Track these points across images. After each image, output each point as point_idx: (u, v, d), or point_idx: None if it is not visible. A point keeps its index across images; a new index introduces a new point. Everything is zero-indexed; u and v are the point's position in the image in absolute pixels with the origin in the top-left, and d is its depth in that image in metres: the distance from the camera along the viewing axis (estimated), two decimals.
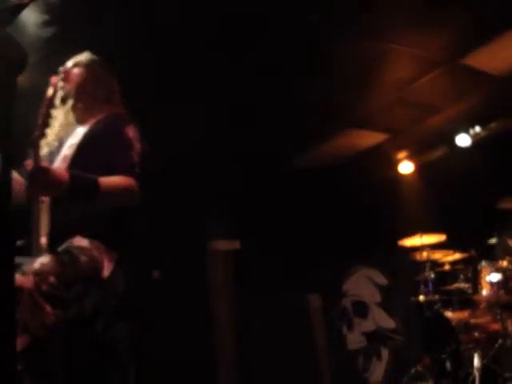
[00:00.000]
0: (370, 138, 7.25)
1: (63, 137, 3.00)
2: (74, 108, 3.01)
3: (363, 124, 6.90)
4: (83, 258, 2.50)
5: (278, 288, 7.63)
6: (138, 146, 2.83)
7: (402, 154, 7.59)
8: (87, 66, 3.08)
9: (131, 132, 2.86)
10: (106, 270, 2.58)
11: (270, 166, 7.37)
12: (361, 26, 5.06)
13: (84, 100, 3.03)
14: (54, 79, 2.77)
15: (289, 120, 6.42)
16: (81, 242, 2.57)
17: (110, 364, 2.62)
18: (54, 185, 2.40)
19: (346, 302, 8.46)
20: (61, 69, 3.01)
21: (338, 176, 7.65)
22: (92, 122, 2.97)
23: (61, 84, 2.94)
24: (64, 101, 2.98)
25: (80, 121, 3.03)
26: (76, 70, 3.05)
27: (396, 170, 7.70)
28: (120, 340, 2.64)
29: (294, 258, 7.76)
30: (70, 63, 3.07)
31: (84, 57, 3.12)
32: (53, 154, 2.92)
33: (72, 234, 2.58)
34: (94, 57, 3.14)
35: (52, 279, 2.30)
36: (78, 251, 2.52)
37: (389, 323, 7.85)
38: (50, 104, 2.79)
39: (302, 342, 7.99)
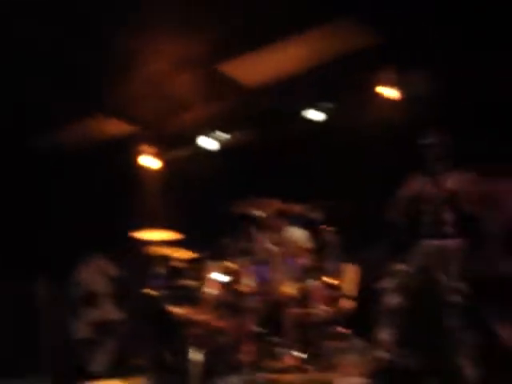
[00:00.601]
0: (118, 128, 7.16)
1: None
2: None
3: (113, 112, 6.80)
4: None
5: (7, 275, 7.28)
6: None
7: (147, 148, 7.61)
8: None
9: None
10: None
11: (12, 146, 6.96)
12: (123, 18, 5.01)
13: None
14: None
15: (33, 100, 6.12)
16: None
17: None
18: None
19: (77, 291, 8.26)
20: None
21: (82, 162, 7.45)
22: None
23: None
24: None
25: None
26: None
27: (140, 163, 7.71)
28: None
29: (25, 245, 7.42)
30: None
31: None
32: None
33: None
34: None
35: None
36: None
37: (116, 314, 7.84)
38: None
39: (29, 329, 7.71)
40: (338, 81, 6.21)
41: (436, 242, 4.55)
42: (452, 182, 4.57)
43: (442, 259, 4.41)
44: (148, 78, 6.10)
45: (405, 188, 4.87)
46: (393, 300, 4.49)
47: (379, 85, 6.20)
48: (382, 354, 4.49)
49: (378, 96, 6.22)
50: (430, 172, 4.58)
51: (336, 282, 5.60)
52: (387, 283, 4.56)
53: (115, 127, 7.14)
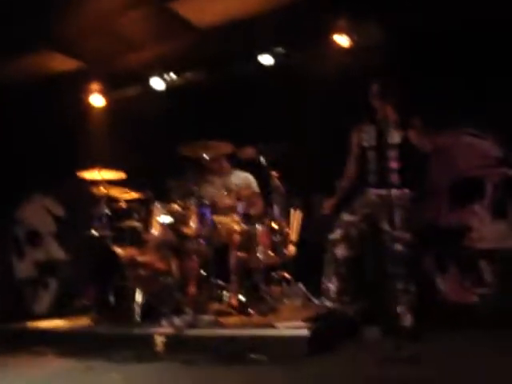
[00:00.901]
0: (63, 63, 6.93)
1: None
2: None
3: (59, 47, 6.57)
4: None
5: None
6: None
7: (95, 86, 7.42)
8: None
9: None
10: None
11: None
12: None
13: None
14: None
15: None
16: None
17: None
18: None
19: (19, 230, 8.16)
20: None
21: (25, 98, 7.22)
22: None
23: None
24: None
25: None
26: None
27: (86, 101, 7.52)
28: None
29: None
30: None
31: None
32: None
33: None
34: None
35: None
36: None
37: (60, 254, 7.78)
38: None
39: None
40: (292, 26, 6.13)
41: (381, 191, 4.59)
42: (399, 130, 4.59)
43: (386, 208, 4.46)
44: (97, 14, 5.91)
45: (353, 135, 4.89)
46: (338, 251, 4.54)
47: (332, 32, 6.16)
48: (327, 303, 4.56)
49: (331, 43, 6.19)
50: (377, 120, 4.58)
51: (281, 228, 5.64)
52: (333, 234, 4.60)
53: (62, 63, 6.92)
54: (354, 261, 4.75)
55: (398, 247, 4.30)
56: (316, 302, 5.15)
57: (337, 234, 4.60)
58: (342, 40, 6.13)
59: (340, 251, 4.55)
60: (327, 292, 4.59)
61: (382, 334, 4.54)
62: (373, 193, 4.70)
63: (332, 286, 4.56)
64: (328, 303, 4.58)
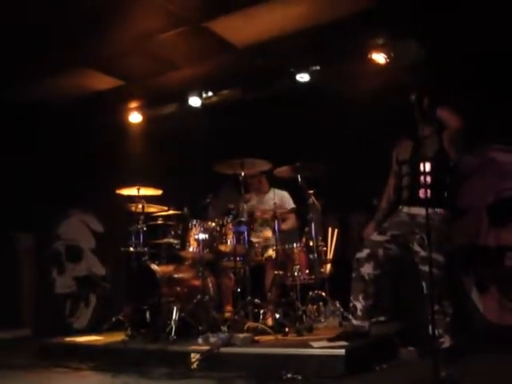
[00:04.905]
0: (103, 82, 7.03)
1: None
2: None
3: (99, 66, 6.69)
4: None
5: None
6: None
7: (133, 104, 7.55)
8: None
9: None
10: None
11: None
12: None
13: None
14: None
15: (18, 53, 6.02)
16: None
17: None
18: None
19: (59, 245, 8.28)
20: None
21: (65, 115, 7.36)
22: None
23: None
24: None
25: None
26: None
27: (125, 119, 7.65)
28: None
29: (5, 196, 7.38)
30: None
31: None
32: None
33: None
34: None
35: None
36: None
37: (100, 270, 7.86)
38: None
39: (7, 281, 7.72)
40: (328, 44, 6.13)
41: (412, 210, 4.51)
42: (437, 146, 4.50)
43: (416, 229, 4.38)
44: (136, 34, 5.99)
45: (393, 152, 4.81)
46: (364, 269, 4.49)
47: (369, 50, 6.15)
48: (353, 322, 4.52)
49: (368, 61, 6.18)
50: (415, 136, 4.47)
51: (318, 246, 5.62)
52: (360, 253, 4.55)
53: (100, 81, 7.03)
54: (383, 280, 4.68)
55: (432, 269, 4.18)
56: (347, 323, 5.09)
57: (363, 252, 4.54)
58: (379, 58, 6.10)
59: (365, 270, 4.49)
60: (354, 310, 4.53)
61: (419, 354, 4.47)
62: (404, 211, 4.61)
63: (358, 304, 4.51)
64: (355, 322, 4.52)
